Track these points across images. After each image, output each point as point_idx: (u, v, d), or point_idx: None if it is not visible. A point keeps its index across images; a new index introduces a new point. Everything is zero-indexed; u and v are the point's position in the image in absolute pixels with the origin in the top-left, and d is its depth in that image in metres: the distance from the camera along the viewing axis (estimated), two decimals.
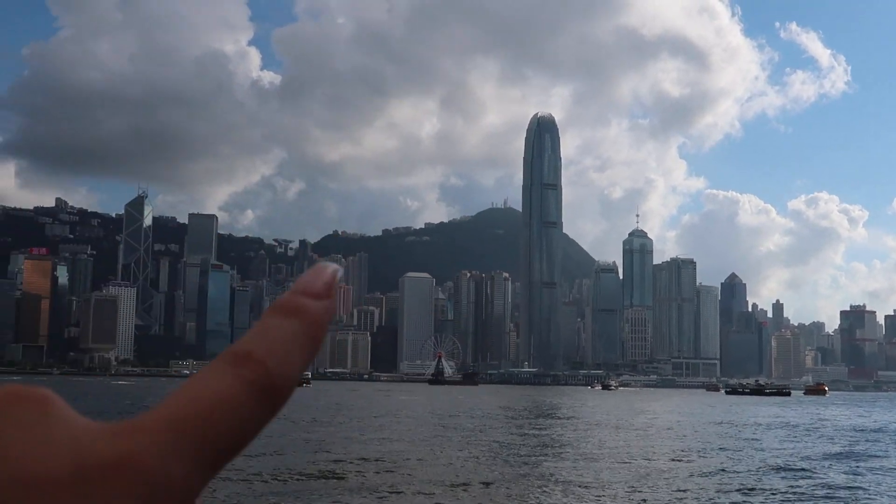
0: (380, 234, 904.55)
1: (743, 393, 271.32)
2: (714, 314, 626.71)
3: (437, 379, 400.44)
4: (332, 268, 1.09)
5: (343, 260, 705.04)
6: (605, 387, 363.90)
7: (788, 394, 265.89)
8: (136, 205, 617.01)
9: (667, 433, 69.68)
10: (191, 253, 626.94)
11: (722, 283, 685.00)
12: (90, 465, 0.93)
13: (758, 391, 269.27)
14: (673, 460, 45.51)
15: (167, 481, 0.93)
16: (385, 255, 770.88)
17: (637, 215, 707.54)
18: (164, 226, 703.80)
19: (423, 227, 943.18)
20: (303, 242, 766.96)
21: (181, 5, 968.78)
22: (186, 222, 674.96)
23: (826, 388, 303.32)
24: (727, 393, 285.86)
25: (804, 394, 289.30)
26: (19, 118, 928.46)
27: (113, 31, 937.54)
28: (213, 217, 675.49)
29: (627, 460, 44.22)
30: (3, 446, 0.93)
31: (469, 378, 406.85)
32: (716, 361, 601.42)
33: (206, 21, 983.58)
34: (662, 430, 74.51)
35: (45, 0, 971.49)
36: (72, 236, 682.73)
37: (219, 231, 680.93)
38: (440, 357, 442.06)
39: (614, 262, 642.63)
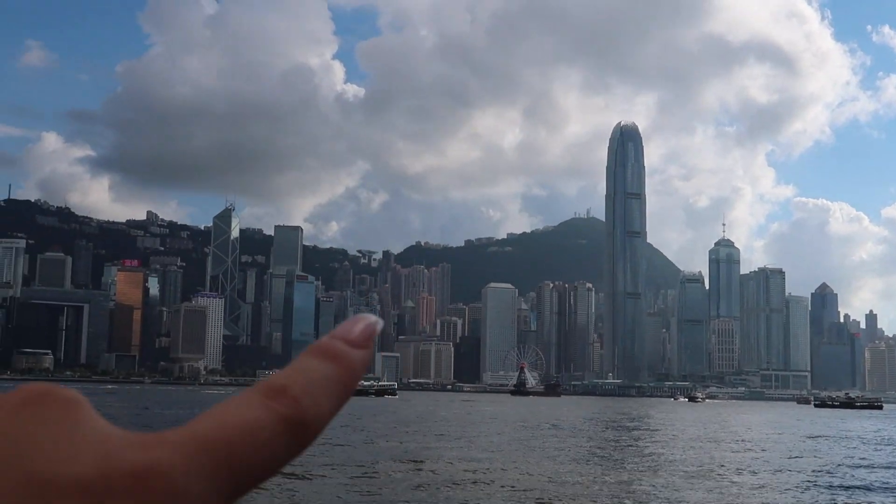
0: (462, 244, 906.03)
1: (833, 406, 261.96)
2: (804, 325, 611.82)
3: (520, 390, 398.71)
4: (372, 319, 1.11)
5: (426, 271, 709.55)
6: (692, 399, 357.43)
7: (880, 407, 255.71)
8: (224, 217, 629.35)
9: (765, 447, 68.15)
10: (277, 264, 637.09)
11: (812, 294, 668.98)
12: (116, 472, 0.92)
13: (848, 404, 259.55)
14: (777, 472, 44.56)
15: (190, 497, 0.93)
16: (467, 266, 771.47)
17: (723, 224, 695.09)
18: (251, 238, 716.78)
19: (505, 237, 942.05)
20: (386, 253, 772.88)
21: (268, 21, 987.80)
22: (272, 234, 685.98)
23: None
24: (816, 406, 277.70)
25: None
26: (113, 134, 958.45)
27: (202, 48, 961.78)
28: (298, 229, 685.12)
29: (729, 476, 43.38)
30: (28, 444, 0.92)
31: (551, 389, 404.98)
32: (806, 374, 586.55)
33: (291, 36, 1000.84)
34: (759, 443, 72.91)
35: (137, 18, 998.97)
36: (162, 248, 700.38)
37: (304, 242, 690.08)
38: (523, 368, 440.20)
39: (700, 272, 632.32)
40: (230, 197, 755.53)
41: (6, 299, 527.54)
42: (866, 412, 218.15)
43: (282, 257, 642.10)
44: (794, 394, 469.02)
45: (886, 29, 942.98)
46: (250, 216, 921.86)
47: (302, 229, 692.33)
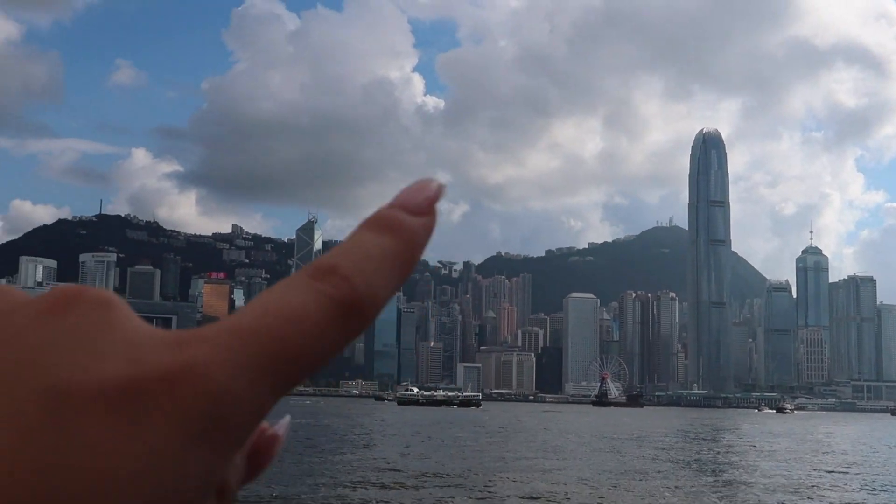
0: (543, 254, 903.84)
1: None
2: None
3: (601, 400, 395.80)
4: (435, 182, 0.98)
5: (507, 282, 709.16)
6: (780, 410, 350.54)
7: None
8: (307, 229, 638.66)
9: (857, 460, 66.69)
10: None
11: None
12: (146, 376, 0.81)
13: None
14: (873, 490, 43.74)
15: (232, 396, 0.80)
16: (548, 276, 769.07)
17: (811, 231, 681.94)
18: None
19: (586, 246, 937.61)
20: (467, 264, 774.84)
21: (348, 35, 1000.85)
22: None
23: None
24: (893, 414, 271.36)
25: None
26: (199, 149, 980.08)
27: (284, 63, 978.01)
28: None
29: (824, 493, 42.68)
30: (48, 351, 0.81)
31: (633, 400, 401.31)
32: None
33: (372, 49, 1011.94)
34: (854, 457, 71.37)
35: (221, 36, 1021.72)
36: (247, 261, 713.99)
37: None
38: (605, 378, 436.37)
39: (787, 281, 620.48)
40: (312, 209, 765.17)
41: None
42: None
43: None
44: (887, 405, 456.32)
45: None
46: (333, 228, 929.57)
47: None
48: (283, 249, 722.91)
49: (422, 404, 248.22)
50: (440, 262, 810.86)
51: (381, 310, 0.86)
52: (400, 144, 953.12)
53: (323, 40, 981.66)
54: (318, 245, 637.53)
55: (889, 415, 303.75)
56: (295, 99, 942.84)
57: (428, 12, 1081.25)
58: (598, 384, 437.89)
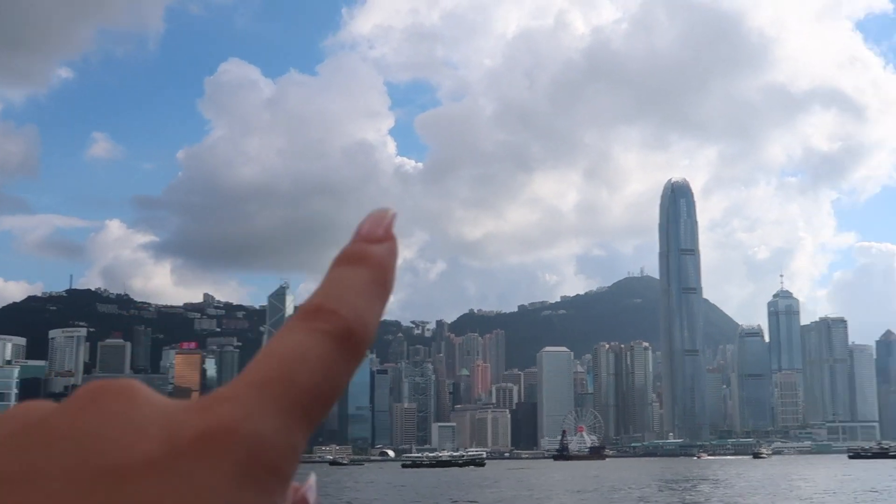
0: (516, 310, 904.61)
1: (866, 457, 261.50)
2: (870, 374, 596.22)
3: (562, 454, 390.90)
4: (388, 211, 1.10)
5: (480, 339, 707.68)
6: (757, 455, 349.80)
7: None
8: (279, 295, 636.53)
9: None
10: None
11: (877, 341, 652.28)
12: (183, 440, 0.90)
13: (881, 454, 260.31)
14: None
15: (263, 440, 0.91)
16: (522, 331, 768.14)
17: (781, 275, 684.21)
18: None
19: (559, 300, 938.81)
20: (440, 323, 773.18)
21: (324, 99, 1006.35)
22: None
23: None
24: (850, 457, 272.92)
25: None
26: (175, 218, 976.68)
27: (261, 129, 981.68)
28: None
29: None
30: (93, 439, 0.89)
31: (596, 452, 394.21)
32: (875, 423, 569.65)
33: (349, 112, 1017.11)
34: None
35: (196, 105, 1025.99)
36: (218, 329, 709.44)
37: None
38: (564, 433, 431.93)
39: (759, 326, 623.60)
40: (284, 274, 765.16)
41: (68, 387, 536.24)
42: None
43: None
44: (862, 445, 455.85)
45: None
46: (307, 292, 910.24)
47: None
48: (255, 316, 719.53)
49: (426, 466, 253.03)
50: (413, 321, 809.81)
51: (374, 333, 1.00)
52: (379, 205, 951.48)
53: (299, 105, 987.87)
54: (290, 310, 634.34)
55: (846, 458, 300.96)
56: (273, 164, 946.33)
57: (403, 74, 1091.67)
58: (560, 438, 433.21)
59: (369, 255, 1.03)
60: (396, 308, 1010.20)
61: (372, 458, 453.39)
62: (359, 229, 1.07)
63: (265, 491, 0.88)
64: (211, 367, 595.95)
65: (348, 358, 0.97)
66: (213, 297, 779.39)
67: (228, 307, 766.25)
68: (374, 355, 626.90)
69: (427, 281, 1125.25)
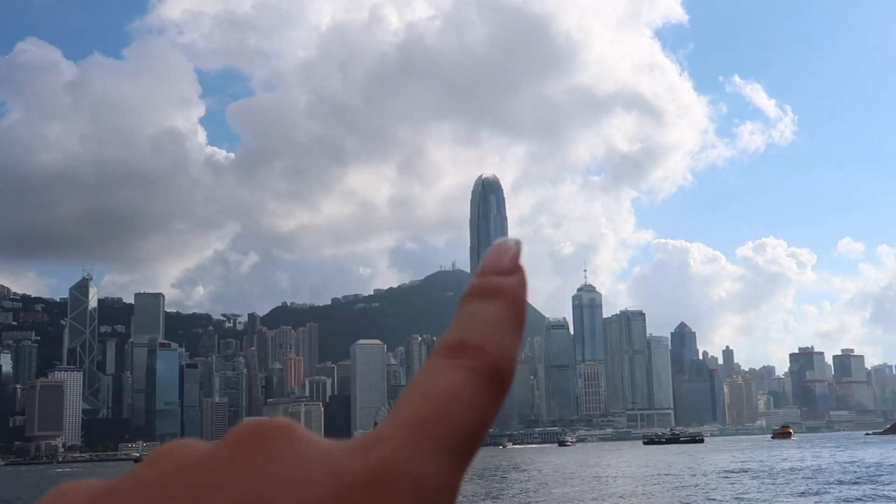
0: (329, 303, 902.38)
1: (660, 442, 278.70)
2: (665, 364, 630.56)
3: None
4: (512, 241, 1.06)
5: (293, 332, 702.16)
6: (562, 443, 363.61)
7: (702, 441, 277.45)
8: (81, 287, 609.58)
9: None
10: (137, 333, 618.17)
11: (672, 333, 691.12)
12: (348, 485, 0.91)
13: (673, 440, 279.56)
14: None
15: (425, 483, 0.91)
16: (335, 325, 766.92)
17: (585, 270, 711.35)
18: (110, 307, 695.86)
19: (372, 293, 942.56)
20: (251, 316, 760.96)
21: (131, 85, 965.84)
22: (132, 302, 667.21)
23: (792, 431, 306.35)
24: (645, 443, 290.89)
25: (771, 438, 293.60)
26: None
27: (63, 114, 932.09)
28: (159, 295, 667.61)
29: None
30: (262, 485, 0.91)
31: None
32: (670, 411, 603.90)
33: (157, 99, 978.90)
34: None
35: None
36: (15, 323, 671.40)
37: (166, 309, 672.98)
38: (376, 425, 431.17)
39: (564, 318, 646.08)
40: (87, 266, 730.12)
41: None
42: (689, 446, 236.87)
43: (143, 325, 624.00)
44: (658, 432, 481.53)
45: (736, 78, 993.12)
46: (112, 284, 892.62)
47: (164, 296, 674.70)
48: (55, 309, 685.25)
49: None
50: (224, 314, 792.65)
51: (516, 368, 1.01)
52: (188, 196, 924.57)
53: (104, 89, 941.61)
54: (93, 303, 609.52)
55: (641, 443, 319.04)
56: (76, 150, 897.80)
57: (214, 62, 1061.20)
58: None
59: (503, 289, 1.02)
60: (207, 301, 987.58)
61: None
62: (485, 261, 1.04)
63: None
64: (7, 363, 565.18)
65: (496, 394, 0.98)
66: (8, 290, 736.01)
67: (26, 299, 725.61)
68: (182, 349, 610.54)
69: (239, 273, 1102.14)
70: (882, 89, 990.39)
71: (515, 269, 1.05)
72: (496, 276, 1.02)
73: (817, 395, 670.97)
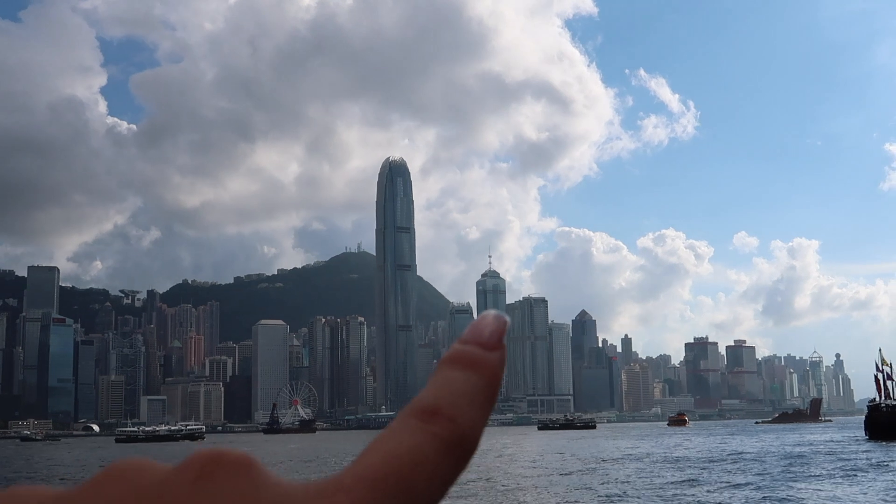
0: (232, 281, 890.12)
1: (554, 427, 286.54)
2: (566, 351, 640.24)
3: (273, 428, 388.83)
4: (499, 316, 1.11)
5: (194, 310, 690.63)
6: None
7: (594, 427, 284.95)
8: None
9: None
10: (31, 307, 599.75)
11: (573, 321, 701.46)
12: None
13: (567, 425, 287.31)
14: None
15: None
16: (237, 304, 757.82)
17: (489, 256, 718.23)
18: (2, 279, 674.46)
19: (276, 273, 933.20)
20: (151, 293, 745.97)
21: (28, 49, 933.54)
22: (25, 275, 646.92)
23: (687, 419, 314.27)
24: (539, 428, 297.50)
25: (668, 425, 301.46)
26: None
27: None
28: (54, 269, 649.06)
29: None
30: None
31: (306, 426, 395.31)
32: (569, 397, 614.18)
33: (56, 66, 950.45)
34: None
35: None
36: None
37: (62, 283, 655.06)
38: (275, 406, 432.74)
39: (468, 304, 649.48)
40: None
41: None
42: (584, 431, 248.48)
43: (36, 300, 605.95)
44: (558, 417, 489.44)
45: (642, 72, 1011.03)
46: (5, 256, 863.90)
47: (59, 269, 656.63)
48: None
49: (142, 440, 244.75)
50: (122, 290, 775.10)
51: (479, 442, 0.99)
52: (89, 167, 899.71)
53: (0, 53, 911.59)
54: None
55: (536, 429, 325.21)
56: None
57: (117, 30, 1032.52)
58: (289, 411, 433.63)
59: (485, 364, 1.03)
60: (104, 276, 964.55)
61: (75, 432, 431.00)
62: (469, 329, 1.05)
63: None
64: None
65: (457, 466, 0.99)
66: None
67: None
68: (78, 325, 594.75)
69: (139, 249, 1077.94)
70: (782, 89, 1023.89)
71: (498, 346, 1.06)
72: (478, 349, 1.04)
73: (710, 383, 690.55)
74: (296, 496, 0.93)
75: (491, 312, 1.11)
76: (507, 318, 1.13)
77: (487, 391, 1.03)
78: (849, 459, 78.32)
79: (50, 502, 0.89)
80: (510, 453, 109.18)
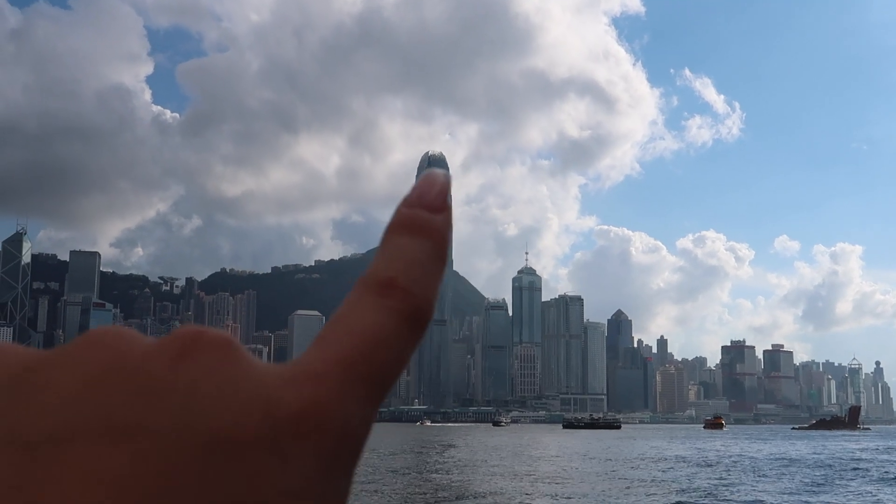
0: (269, 271, 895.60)
1: (579, 426, 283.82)
2: (601, 350, 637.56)
3: None
4: (441, 174, 1.01)
5: (231, 298, 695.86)
6: (496, 423, 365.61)
7: (619, 427, 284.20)
8: (14, 241, 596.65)
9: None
10: (72, 291, 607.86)
11: (608, 320, 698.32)
12: (280, 418, 0.86)
13: (592, 424, 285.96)
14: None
15: (349, 424, 0.87)
16: (274, 293, 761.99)
17: (526, 253, 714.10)
18: (44, 263, 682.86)
19: (313, 264, 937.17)
20: (189, 280, 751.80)
21: (78, 36, 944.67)
22: (67, 259, 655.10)
23: (723, 422, 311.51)
24: (564, 426, 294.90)
25: (704, 428, 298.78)
26: None
27: (5, 62, 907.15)
28: (95, 254, 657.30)
29: None
30: (198, 399, 0.86)
31: None
32: (603, 396, 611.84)
33: (105, 53, 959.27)
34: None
35: None
36: None
37: (102, 268, 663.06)
38: None
39: (504, 300, 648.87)
40: (22, 219, 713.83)
41: None
42: (608, 431, 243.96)
43: (77, 284, 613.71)
44: (586, 416, 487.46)
45: (687, 72, 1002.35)
46: (48, 240, 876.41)
47: (100, 255, 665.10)
48: None
49: None
50: (161, 277, 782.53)
51: (434, 311, 0.92)
52: (134, 154, 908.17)
53: (49, 39, 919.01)
54: (26, 258, 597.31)
55: (561, 427, 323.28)
56: (17, 100, 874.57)
57: (164, 18, 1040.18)
58: None
59: (432, 227, 0.95)
60: (145, 262, 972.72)
61: None
62: (413, 191, 0.98)
63: (347, 475, 0.87)
64: None
65: (416, 338, 0.91)
66: None
67: None
68: (117, 309, 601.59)
69: (180, 236, 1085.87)
70: (827, 92, 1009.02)
71: (444, 208, 0.97)
72: (424, 212, 0.95)
73: (746, 387, 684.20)
74: (271, 381, 0.87)
75: (435, 170, 0.99)
76: (449, 175, 1.00)
77: (438, 258, 0.94)
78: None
79: (31, 363, 0.86)
80: (518, 451, 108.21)
